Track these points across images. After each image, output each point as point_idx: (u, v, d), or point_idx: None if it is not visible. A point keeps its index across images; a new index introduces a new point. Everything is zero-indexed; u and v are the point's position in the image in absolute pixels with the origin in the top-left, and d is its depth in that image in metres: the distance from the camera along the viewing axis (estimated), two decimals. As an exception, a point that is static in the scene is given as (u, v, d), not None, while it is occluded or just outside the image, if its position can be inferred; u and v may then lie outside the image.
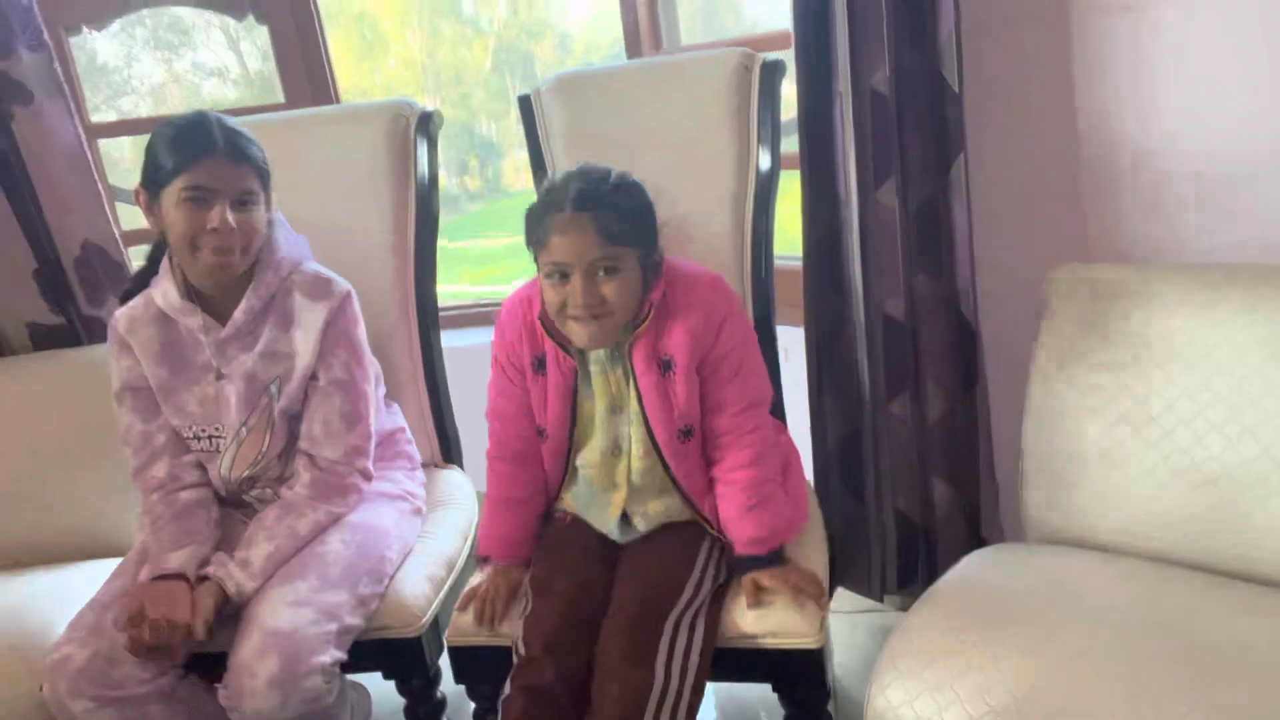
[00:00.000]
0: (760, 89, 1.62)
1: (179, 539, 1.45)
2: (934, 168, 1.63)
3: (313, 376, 1.54)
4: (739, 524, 1.40)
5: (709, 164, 1.65)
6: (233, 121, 1.46)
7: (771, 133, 1.62)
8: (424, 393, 1.86)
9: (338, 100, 2.40)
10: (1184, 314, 1.38)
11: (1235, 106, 1.55)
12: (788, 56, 1.68)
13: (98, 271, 1.97)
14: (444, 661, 1.52)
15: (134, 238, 2.20)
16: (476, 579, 1.50)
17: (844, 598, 1.98)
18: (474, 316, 2.62)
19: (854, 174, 1.64)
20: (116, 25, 2.40)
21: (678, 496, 1.44)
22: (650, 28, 2.27)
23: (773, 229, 1.66)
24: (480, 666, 1.46)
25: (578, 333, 1.34)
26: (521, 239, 1.39)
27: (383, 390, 1.71)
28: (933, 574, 1.77)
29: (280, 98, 2.40)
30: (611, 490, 1.46)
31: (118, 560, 1.58)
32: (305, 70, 2.35)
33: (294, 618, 1.35)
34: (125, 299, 1.57)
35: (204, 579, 1.41)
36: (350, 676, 1.65)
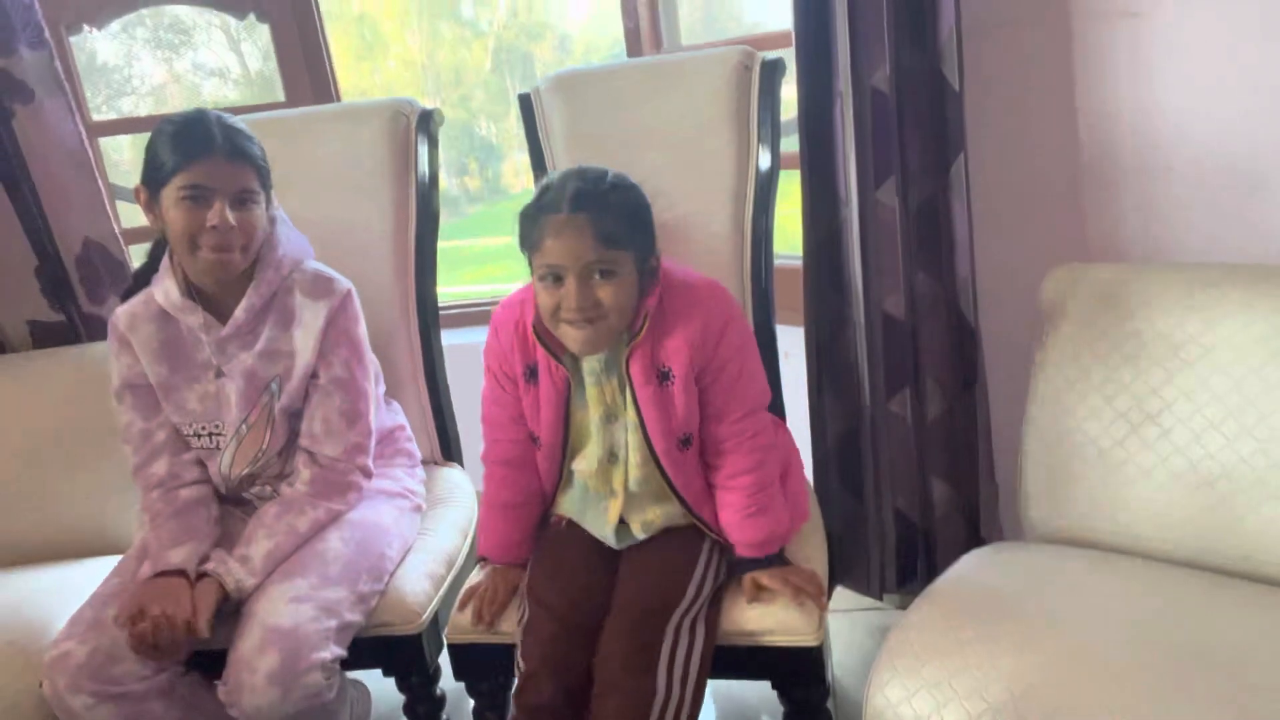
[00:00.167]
0: (760, 88, 1.62)
1: (179, 536, 1.45)
2: (934, 167, 1.63)
3: (313, 375, 1.54)
4: (739, 529, 1.40)
5: (709, 163, 1.65)
6: (233, 119, 1.46)
7: (771, 132, 1.62)
8: (424, 390, 1.86)
9: (338, 100, 2.40)
10: (1183, 313, 1.38)
11: (1234, 107, 1.55)
12: (788, 56, 1.68)
13: (98, 269, 1.98)
14: (443, 659, 1.52)
15: (135, 236, 2.20)
16: (476, 577, 1.50)
17: (843, 596, 1.98)
18: (474, 315, 2.62)
19: (854, 173, 1.64)
20: (117, 25, 2.40)
21: (676, 503, 1.43)
22: (651, 29, 2.27)
23: (772, 228, 1.66)
24: (479, 664, 1.46)
25: (571, 337, 1.32)
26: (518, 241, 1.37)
27: (382, 388, 1.71)
28: (932, 573, 1.77)
29: (281, 98, 2.40)
30: (608, 497, 1.44)
31: (118, 557, 1.58)
32: (306, 70, 2.36)
33: (294, 614, 1.35)
34: (126, 297, 1.57)
35: (203, 576, 1.41)
36: (350, 673, 1.65)
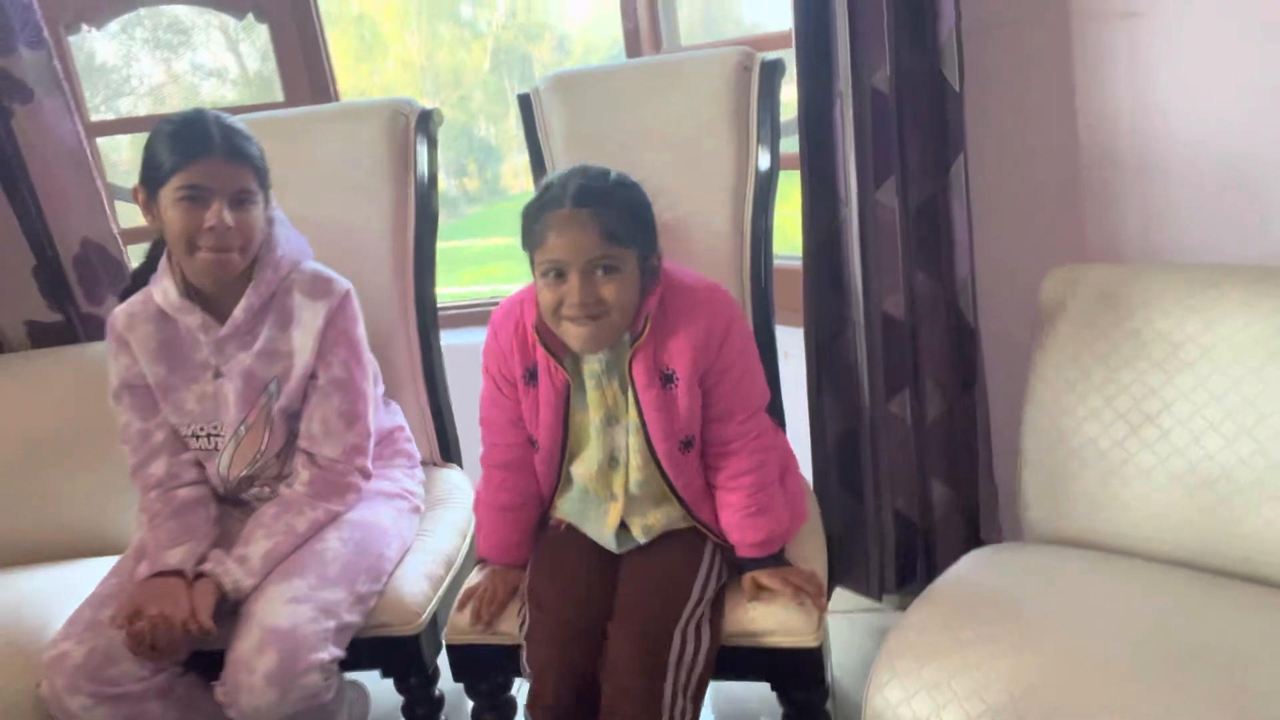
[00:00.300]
0: (760, 88, 1.62)
1: (177, 536, 1.45)
2: (934, 168, 1.63)
3: (312, 375, 1.53)
4: (740, 529, 1.39)
5: (708, 163, 1.65)
6: (231, 119, 1.46)
7: (771, 132, 1.62)
8: (423, 391, 1.86)
9: (337, 100, 2.40)
10: (1182, 314, 1.38)
11: (1234, 108, 1.55)
12: (788, 57, 1.68)
13: (97, 269, 1.97)
14: (442, 660, 1.52)
15: (133, 236, 2.19)
16: (475, 578, 1.49)
17: (842, 597, 1.98)
18: (473, 315, 2.62)
19: (854, 173, 1.64)
20: (115, 25, 2.40)
21: (676, 505, 1.43)
22: (650, 30, 2.27)
23: (772, 228, 1.66)
24: (478, 665, 1.46)
25: (574, 335, 1.31)
26: (519, 240, 1.37)
27: (381, 389, 1.71)
28: (931, 574, 1.77)
29: (279, 98, 2.39)
30: (609, 501, 1.44)
31: (116, 558, 1.58)
32: (305, 70, 2.35)
33: (292, 615, 1.35)
34: (124, 297, 1.57)
35: (201, 576, 1.41)
36: (348, 674, 1.65)
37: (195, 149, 1.40)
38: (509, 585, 1.45)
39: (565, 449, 1.43)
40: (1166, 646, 1.16)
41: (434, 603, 1.55)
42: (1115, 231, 1.70)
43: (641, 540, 1.44)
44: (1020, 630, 1.22)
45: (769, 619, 1.35)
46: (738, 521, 1.39)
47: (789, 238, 1.82)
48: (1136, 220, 1.68)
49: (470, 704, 1.53)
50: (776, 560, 1.40)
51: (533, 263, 1.33)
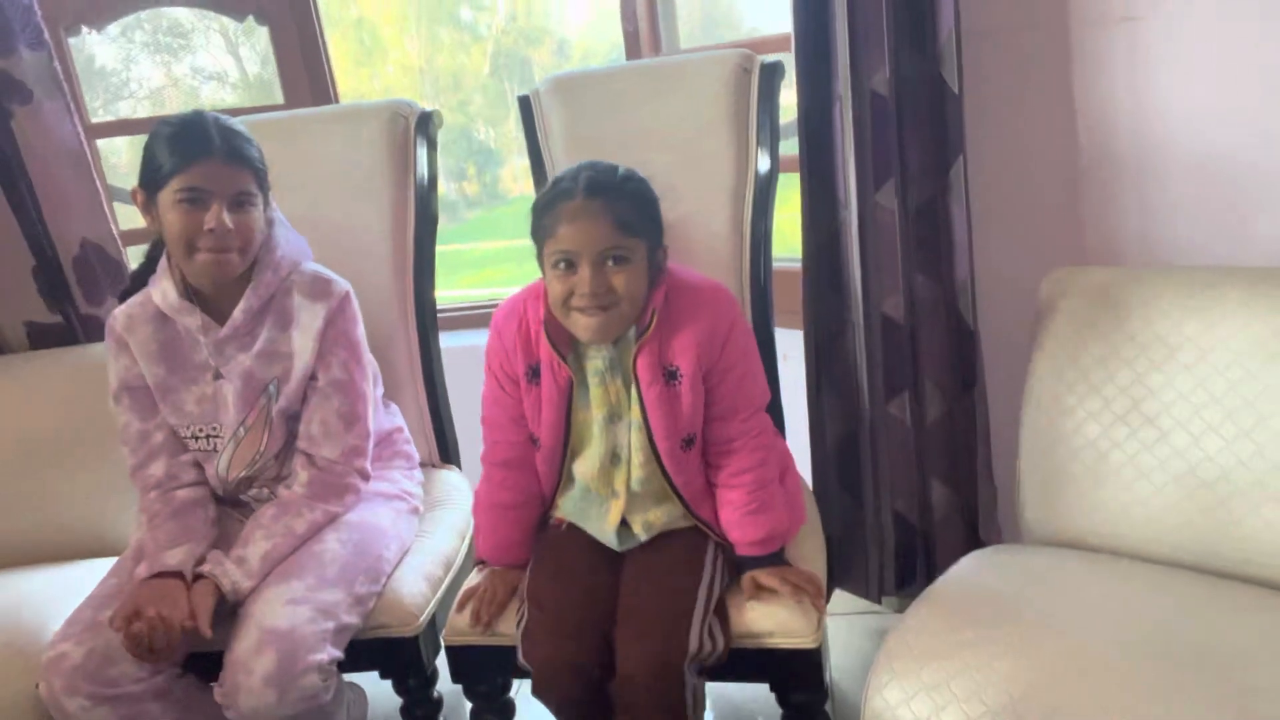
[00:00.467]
0: (759, 90, 1.63)
1: (176, 537, 1.45)
2: (933, 170, 1.64)
3: (311, 376, 1.53)
4: (740, 527, 1.40)
5: (708, 165, 1.65)
6: (230, 121, 1.46)
7: (770, 134, 1.63)
8: (422, 393, 1.86)
9: (337, 102, 2.40)
10: (1180, 316, 1.39)
11: (1232, 111, 1.55)
12: (787, 59, 1.68)
13: (96, 270, 1.97)
14: (441, 661, 1.52)
15: (132, 237, 2.20)
16: (474, 579, 1.49)
17: (841, 599, 1.98)
18: (473, 318, 2.62)
19: (853, 176, 1.65)
20: (115, 28, 2.40)
21: (677, 504, 1.43)
22: (650, 32, 2.27)
23: (771, 230, 1.66)
24: (477, 666, 1.46)
25: (583, 325, 1.32)
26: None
27: (380, 390, 1.71)
28: (931, 576, 1.77)
29: (279, 102, 2.39)
30: (610, 499, 1.44)
31: (115, 559, 1.58)
32: (305, 73, 2.35)
33: (291, 616, 1.35)
34: (123, 297, 1.57)
35: (200, 577, 1.41)
36: (347, 676, 1.65)
37: (195, 151, 1.40)
38: (509, 586, 1.45)
39: (567, 447, 1.43)
40: (1166, 648, 1.16)
41: (433, 604, 1.54)
42: (1114, 234, 1.71)
43: (643, 537, 1.44)
44: (1019, 631, 1.22)
45: (768, 620, 1.35)
46: (738, 519, 1.39)
47: (788, 240, 1.83)
48: (1135, 222, 1.68)
49: (469, 705, 1.53)
50: (776, 560, 1.40)
51: (541, 256, 1.35)
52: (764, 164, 1.63)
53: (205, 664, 1.41)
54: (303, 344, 1.52)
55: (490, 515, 1.49)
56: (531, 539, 1.50)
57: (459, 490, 1.83)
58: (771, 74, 1.63)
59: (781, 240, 1.72)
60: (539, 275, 1.43)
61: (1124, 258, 1.70)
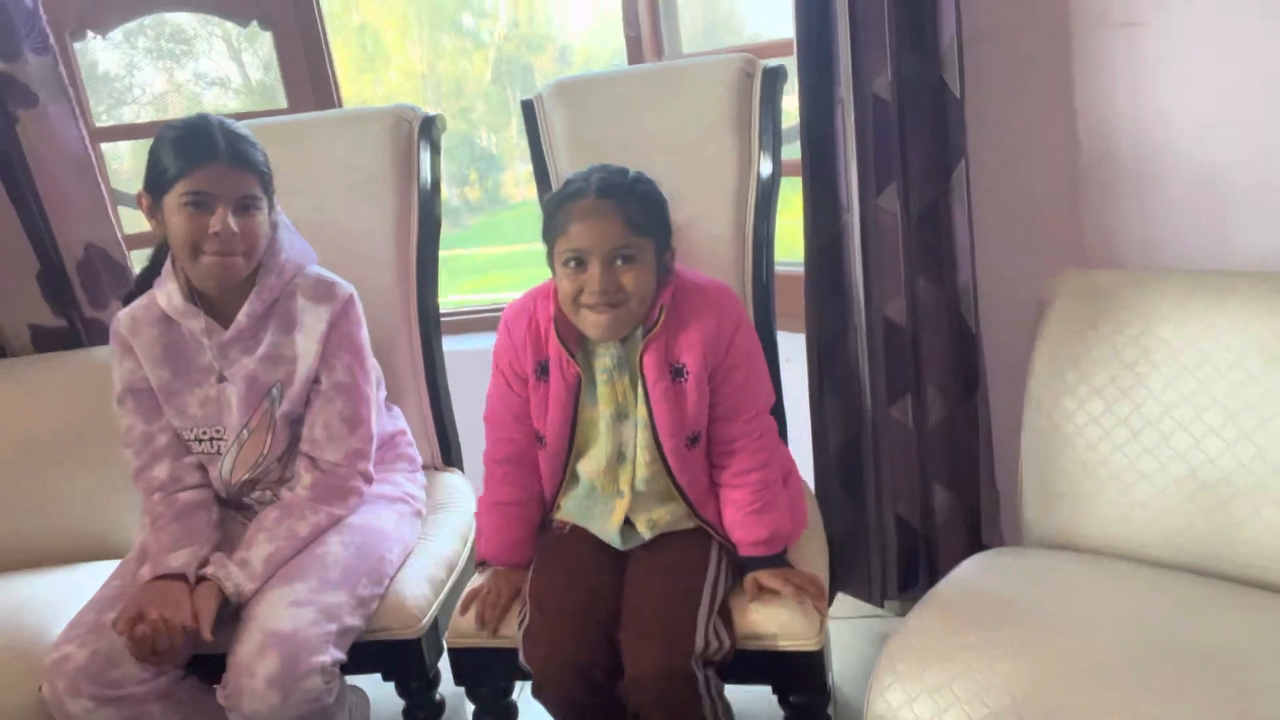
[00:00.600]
0: (762, 94, 1.63)
1: (179, 539, 1.45)
2: (935, 173, 1.64)
3: (315, 379, 1.54)
4: (744, 526, 1.40)
5: (710, 169, 1.66)
6: (235, 125, 1.46)
7: (773, 138, 1.63)
8: (425, 396, 1.86)
9: (340, 107, 2.41)
10: (1181, 319, 1.39)
11: (1233, 115, 1.56)
12: (789, 64, 1.69)
13: (100, 274, 1.98)
14: (443, 663, 1.52)
15: (137, 241, 2.20)
16: (477, 580, 1.49)
17: (844, 603, 1.98)
18: (475, 321, 2.63)
19: (855, 179, 1.65)
20: (119, 34, 2.41)
21: (682, 503, 1.44)
22: (652, 38, 2.28)
23: (773, 234, 1.67)
24: (480, 668, 1.46)
25: (592, 322, 1.34)
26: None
27: (383, 393, 1.71)
28: (933, 579, 1.77)
29: (283, 107, 2.40)
30: (615, 497, 1.45)
31: (118, 561, 1.57)
32: (309, 78, 2.36)
33: (293, 618, 1.35)
34: (128, 300, 1.57)
35: (203, 579, 1.41)
36: (349, 678, 1.65)
37: (200, 155, 1.40)
38: (512, 587, 1.45)
39: (573, 445, 1.44)
40: (1167, 650, 1.17)
41: (435, 606, 1.54)
42: (1115, 237, 1.71)
43: (646, 535, 1.44)
44: (1021, 634, 1.22)
45: (771, 622, 1.35)
46: (741, 519, 1.40)
47: (790, 244, 1.83)
48: (1136, 226, 1.68)
49: (471, 708, 1.53)
50: (779, 561, 1.40)
51: (552, 254, 1.37)
52: (766, 168, 1.64)
53: (208, 666, 1.41)
54: (306, 347, 1.52)
55: (493, 513, 1.49)
56: (534, 538, 1.50)
57: (461, 493, 1.83)
58: (774, 78, 1.64)
59: (784, 244, 1.73)
60: (540, 281, 1.45)
61: (1125, 261, 1.70)
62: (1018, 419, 1.53)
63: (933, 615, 1.31)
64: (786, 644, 1.34)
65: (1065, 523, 1.46)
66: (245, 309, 1.50)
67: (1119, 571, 1.36)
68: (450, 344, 1.96)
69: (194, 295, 1.51)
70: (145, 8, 2.35)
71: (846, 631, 2.00)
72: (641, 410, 1.40)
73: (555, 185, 1.73)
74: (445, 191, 1.97)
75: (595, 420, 1.43)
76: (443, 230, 1.85)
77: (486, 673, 1.47)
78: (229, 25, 2.44)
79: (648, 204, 1.36)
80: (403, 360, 1.84)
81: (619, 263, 1.32)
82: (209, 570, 1.41)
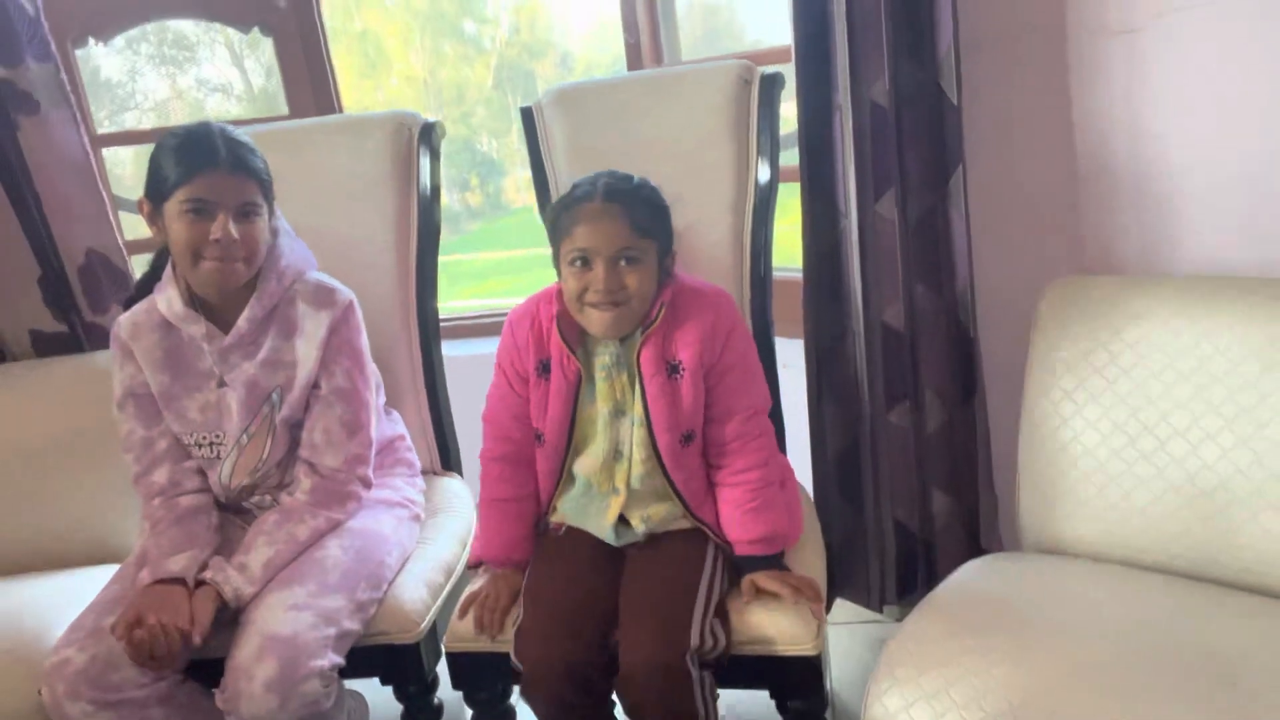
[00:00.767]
0: (760, 101, 1.64)
1: (179, 543, 1.45)
2: (933, 180, 1.64)
3: (314, 385, 1.54)
4: (741, 525, 1.41)
5: (709, 175, 1.67)
6: (236, 132, 1.47)
7: (771, 144, 1.64)
8: (424, 401, 1.87)
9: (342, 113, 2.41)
10: (1179, 326, 1.39)
11: (1230, 122, 1.56)
12: (787, 71, 1.69)
13: (101, 280, 1.98)
14: (441, 668, 1.52)
15: (138, 246, 2.21)
16: (476, 584, 1.50)
17: (842, 609, 1.98)
18: (475, 327, 2.63)
19: (853, 186, 1.65)
20: (121, 41, 2.42)
21: (677, 502, 1.45)
22: (651, 44, 2.29)
23: (771, 240, 1.67)
24: (478, 672, 1.46)
25: (596, 320, 1.38)
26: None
27: (382, 398, 1.72)
28: (932, 584, 1.76)
29: (284, 114, 2.41)
30: (610, 495, 1.46)
31: (116, 566, 1.58)
32: (310, 84, 2.37)
33: (292, 622, 1.35)
34: (129, 305, 1.58)
35: (202, 584, 1.41)
36: (348, 683, 1.65)
37: (200, 162, 1.41)
38: (511, 590, 1.45)
39: (571, 442, 1.46)
40: (1164, 655, 1.17)
41: (434, 610, 1.55)
42: (1112, 243, 1.71)
43: (641, 530, 1.46)
44: (1019, 639, 1.22)
45: (769, 626, 1.35)
46: (739, 517, 1.41)
47: (789, 250, 1.83)
48: (1133, 233, 1.69)
49: (469, 712, 1.53)
50: (775, 563, 1.41)
51: (558, 254, 1.41)
52: (764, 174, 1.64)
53: (207, 670, 1.41)
54: (306, 352, 1.53)
55: (490, 511, 1.50)
56: (532, 537, 1.51)
57: (460, 498, 1.84)
58: (772, 85, 1.64)
59: (782, 250, 1.73)
60: (540, 287, 1.48)
61: (1123, 267, 1.70)
62: (1015, 424, 1.53)
63: (931, 620, 1.31)
64: (785, 649, 1.34)
65: (1063, 528, 1.47)
66: (245, 314, 1.51)
67: (1116, 576, 1.37)
68: (449, 349, 1.97)
69: (194, 301, 1.51)
70: (147, 14, 2.35)
71: (845, 636, 2.00)
72: (638, 408, 1.42)
73: (554, 192, 1.74)
74: (446, 197, 1.98)
75: (594, 418, 1.45)
76: (443, 235, 1.86)
77: (485, 677, 1.47)
78: (231, 32, 2.45)
79: (652, 208, 1.40)
80: (402, 365, 1.84)
81: (623, 263, 1.36)
82: (208, 574, 1.41)
